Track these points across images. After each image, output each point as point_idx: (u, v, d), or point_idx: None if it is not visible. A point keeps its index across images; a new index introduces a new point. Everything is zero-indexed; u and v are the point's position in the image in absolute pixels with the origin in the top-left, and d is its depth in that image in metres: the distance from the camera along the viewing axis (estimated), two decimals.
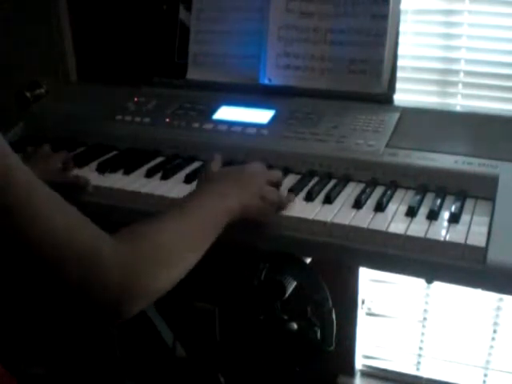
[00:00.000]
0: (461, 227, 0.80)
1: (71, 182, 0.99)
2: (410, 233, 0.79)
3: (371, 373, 1.57)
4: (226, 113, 1.13)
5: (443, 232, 0.79)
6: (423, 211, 0.84)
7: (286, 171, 1.00)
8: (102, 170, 1.05)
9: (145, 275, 0.60)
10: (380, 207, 0.85)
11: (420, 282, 1.32)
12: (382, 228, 0.80)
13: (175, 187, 0.97)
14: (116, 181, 1.00)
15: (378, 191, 0.91)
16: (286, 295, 0.96)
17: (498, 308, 1.38)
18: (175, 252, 0.66)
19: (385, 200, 0.87)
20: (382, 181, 0.94)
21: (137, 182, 0.99)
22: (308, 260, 0.98)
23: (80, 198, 0.98)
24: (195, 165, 1.05)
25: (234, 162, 1.02)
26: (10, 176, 0.53)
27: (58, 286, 0.56)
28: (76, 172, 1.04)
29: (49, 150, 1.06)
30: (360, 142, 0.98)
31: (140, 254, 0.61)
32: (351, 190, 0.93)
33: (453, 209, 0.83)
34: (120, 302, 0.58)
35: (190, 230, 0.70)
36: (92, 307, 0.57)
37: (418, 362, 1.52)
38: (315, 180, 0.96)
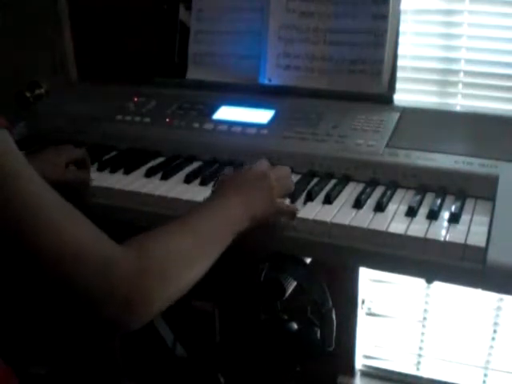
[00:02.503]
0: (461, 227, 0.80)
1: (75, 179, 0.99)
2: (409, 233, 0.79)
3: (371, 373, 1.57)
4: (226, 113, 1.13)
5: (443, 232, 0.79)
6: (423, 211, 0.84)
7: None
8: (102, 170, 1.05)
9: (154, 288, 0.60)
10: (380, 207, 0.85)
11: (420, 281, 1.33)
12: (382, 228, 0.80)
13: (175, 187, 0.97)
14: (116, 181, 1.00)
15: (378, 191, 0.91)
16: (286, 295, 0.96)
17: (498, 308, 1.38)
18: (184, 265, 0.65)
19: (385, 200, 0.87)
20: (382, 181, 0.94)
21: (137, 182, 0.99)
22: (308, 260, 0.98)
23: (85, 199, 0.98)
24: (195, 165, 1.05)
25: (233, 162, 1.02)
26: (21, 186, 0.53)
27: (66, 296, 0.55)
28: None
29: (70, 146, 1.04)
30: (360, 142, 0.98)
31: (149, 267, 0.60)
32: (351, 190, 0.93)
33: (453, 209, 0.83)
34: (128, 314, 0.57)
35: (199, 242, 0.69)
36: (99, 319, 0.56)
37: (418, 362, 1.52)
38: (315, 180, 0.96)
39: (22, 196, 0.53)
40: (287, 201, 0.87)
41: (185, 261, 0.65)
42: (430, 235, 0.78)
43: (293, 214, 0.84)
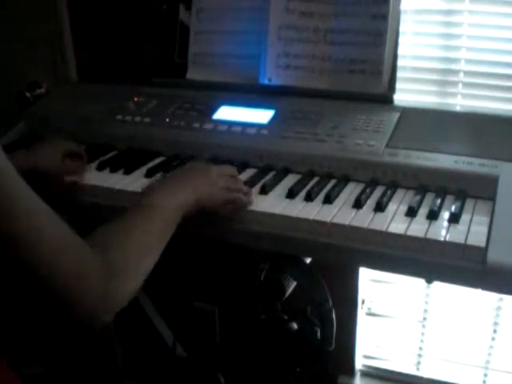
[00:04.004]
0: (461, 227, 0.80)
1: (70, 169, 1.01)
2: (409, 233, 0.79)
3: (371, 373, 1.57)
4: (226, 113, 1.13)
5: (443, 232, 0.79)
6: (423, 211, 0.84)
7: (286, 171, 1.00)
8: (102, 169, 1.05)
9: (118, 286, 0.63)
10: (380, 207, 0.85)
11: (420, 282, 1.33)
12: (382, 228, 0.80)
13: None
14: (116, 181, 1.00)
15: (378, 191, 0.91)
16: (286, 295, 0.96)
17: (498, 308, 1.38)
18: (141, 258, 0.69)
19: (385, 200, 0.87)
20: (382, 181, 0.94)
21: (137, 182, 0.99)
22: (308, 260, 0.98)
23: (79, 197, 0.98)
24: None
25: (233, 162, 1.02)
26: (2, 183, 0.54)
27: (42, 299, 0.57)
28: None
29: (63, 137, 1.08)
30: (360, 142, 0.98)
31: (113, 266, 0.63)
32: (351, 190, 0.93)
33: (453, 209, 0.83)
34: (101, 311, 0.61)
35: (150, 234, 0.72)
36: (74, 317, 0.59)
37: (418, 362, 1.52)
38: (315, 180, 0.96)
39: (3, 193, 0.54)
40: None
41: (141, 254, 0.69)
42: (430, 235, 0.78)
43: (243, 203, 0.87)
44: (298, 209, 0.87)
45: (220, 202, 0.84)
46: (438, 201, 0.86)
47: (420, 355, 1.51)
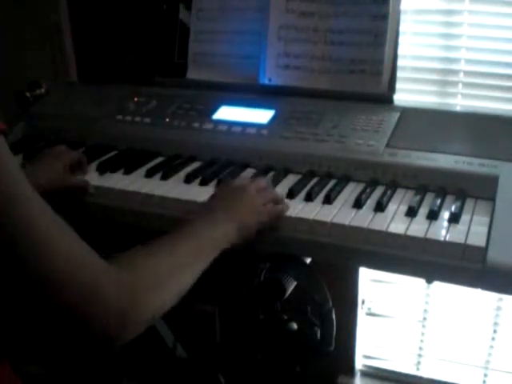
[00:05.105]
0: (461, 227, 0.80)
1: (74, 184, 0.98)
2: (409, 233, 0.79)
3: (371, 373, 1.57)
4: (226, 113, 1.13)
5: (443, 232, 0.78)
6: (423, 211, 0.84)
7: (286, 171, 1.00)
8: (102, 170, 1.05)
9: (141, 304, 0.61)
10: (380, 207, 0.85)
11: (420, 281, 1.33)
12: (382, 228, 0.80)
13: (175, 187, 0.97)
14: (116, 181, 1.00)
15: (378, 191, 0.91)
16: (286, 295, 0.96)
17: (498, 308, 1.38)
18: (171, 280, 0.67)
19: (385, 200, 0.87)
20: (382, 181, 0.94)
21: (137, 182, 0.99)
22: (308, 260, 0.98)
23: (82, 200, 0.98)
24: (195, 165, 1.05)
25: (233, 162, 1.02)
26: (15, 198, 0.53)
27: (54, 314, 0.55)
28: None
29: (65, 148, 1.04)
30: (360, 142, 0.98)
31: (137, 283, 0.61)
32: (351, 190, 0.93)
33: (453, 209, 0.83)
34: (114, 331, 0.58)
35: (186, 259, 0.71)
36: (87, 336, 0.57)
37: (418, 362, 1.52)
38: (315, 180, 0.96)
39: (16, 205, 0.53)
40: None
41: (170, 280, 0.67)
42: (430, 235, 0.78)
43: (279, 214, 0.86)
44: (298, 209, 0.87)
45: (261, 223, 0.83)
46: (438, 201, 0.86)
47: (420, 355, 1.51)
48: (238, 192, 0.85)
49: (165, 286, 0.66)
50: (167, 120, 1.14)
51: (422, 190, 0.90)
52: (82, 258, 0.57)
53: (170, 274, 0.67)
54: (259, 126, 1.07)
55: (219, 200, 0.84)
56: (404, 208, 0.85)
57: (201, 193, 0.93)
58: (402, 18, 1.12)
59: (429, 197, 0.89)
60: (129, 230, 0.96)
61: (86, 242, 0.59)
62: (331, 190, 0.91)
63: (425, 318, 1.46)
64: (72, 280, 0.55)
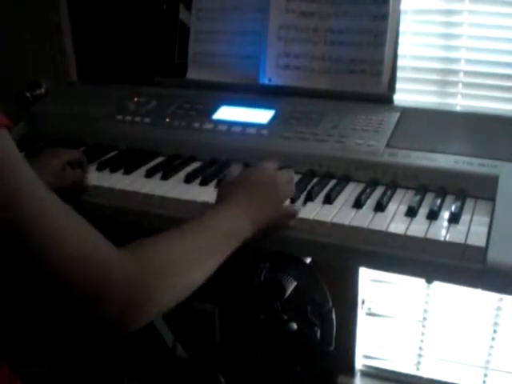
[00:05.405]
0: (461, 227, 0.80)
1: (71, 181, 0.98)
2: (409, 233, 0.79)
3: (371, 373, 1.57)
4: (226, 113, 1.13)
5: (443, 232, 0.78)
6: (423, 211, 0.84)
7: None
8: (102, 170, 1.05)
9: (152, 290, 0.61)
10: (380, 207, 0.85)
11: (420, 281, 1.33)
12: (382, 228, 0.80)
13: (175, 187, 0.97)
14: (116, 181, 1.00)
15: (378, 191, 0.91)
16: (286, 295, 0.96)
17: (498, 308, 1.38)
18: (181, 272, 0.66)
19: (385, 200, 0.87)
20: (382, 181, 0.94)
21: (137, 182, 0.99)
22: (308, 260, 0.98)
23: (80, 199, 0.98)
24: (195, 165, 1.05)
25: (233, 162, 1.02)
26: (22, 190, 0.53)
27: (65, 299, 0.56)
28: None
29: (64, 149, 1.04)
30: (360, 142, 0.98)
31: (148, 269, 0.61)
32: (351, 190, 0.93)
33: (453, 209, 0.83)
34: (126, 316, 0.58)
35: (202, 249, 0.70)
36: (98, 321, 0.57)
37: (418, 362, 1.52)
38: (315, 180, 0.96)
39: (24, 197, 0.53)
40: (287, 202, 0.87)
41: (183, 268, 0.66)
42: (430, 235, 0.78)
43: (294, 216, 0.84)
44: (298, 209, 0.87)
45: (274, 221, 0.81)
46: (438, 201, 0.86)
47: (420, 355, 1.51)
48: (265, 183, 0.82)
49: (176, 275, 0.65)
50: (167, 120, 1.14)
51: (421, 190, 0.90)
52: (93, 245, 0.57)
53: (186, 267, 0.67)
54: (259, 126, 1.07)
55: (243, 188, 0.80)
56: (404, 208, 0.85)
57: (201, 193, 0.93)
58: (402, 18, 1.12)
59: (429, 197, 0.88)
60: (129, 230, 0.96)
61: (97, 229, 0.59)
62: (331, 189, 0.91)
63: (425, 318, 1.46)
64: (85, 267, 0.55)
